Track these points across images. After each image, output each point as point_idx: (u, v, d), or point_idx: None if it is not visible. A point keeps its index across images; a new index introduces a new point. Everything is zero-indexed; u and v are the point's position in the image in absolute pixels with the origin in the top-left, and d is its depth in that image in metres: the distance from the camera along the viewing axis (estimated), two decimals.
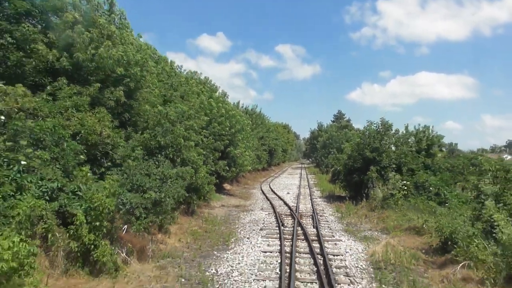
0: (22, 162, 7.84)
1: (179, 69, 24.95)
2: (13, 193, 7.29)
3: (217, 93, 29.49)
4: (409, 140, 26.72)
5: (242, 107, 46.47)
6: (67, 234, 7.79)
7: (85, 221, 7.80)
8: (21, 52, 10.39)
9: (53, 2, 11.23)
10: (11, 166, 7.71)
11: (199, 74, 28.42)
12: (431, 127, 25.74)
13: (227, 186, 28.44)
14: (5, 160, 7.77)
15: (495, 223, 9.07)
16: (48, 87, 10.81)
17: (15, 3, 10.30)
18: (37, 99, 9.76)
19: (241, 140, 25.36)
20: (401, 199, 16.89)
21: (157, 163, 11.39)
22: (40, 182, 7.96)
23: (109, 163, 11.08)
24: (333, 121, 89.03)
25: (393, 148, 23.70)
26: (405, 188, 17.46)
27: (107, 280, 7.93)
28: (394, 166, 21.03)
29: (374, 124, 23.64)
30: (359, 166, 22.40)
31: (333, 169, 34.90)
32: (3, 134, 8.31)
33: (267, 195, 24.77)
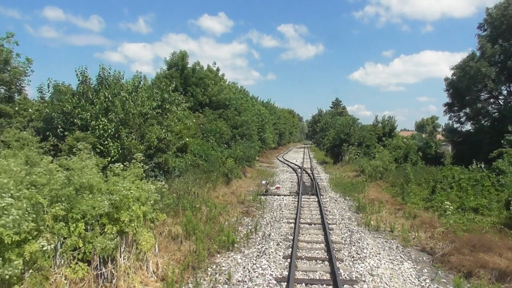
0: (211, 141, 23.97)
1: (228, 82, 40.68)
2: (213, 151, 23.37)
3: (249, 96, 45.46)
4: (378, 126, 42.74)
5: (260, 100, 62.34)
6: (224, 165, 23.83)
7: (233, 159, 23.86)
8: (192, 98, 26.34)
9: (198, 75, 27.13)
10: (209, 143, 23.81)
11: (236, 84, 44.25)
12: (393, 117, 41.32)
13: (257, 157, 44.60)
14: (206, 140, 23.88)
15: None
16: (201, 112, 26.79)
17: (191, 79, 26.26)
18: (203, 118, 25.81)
19: (268, 128, 41.44)
20: (354, 159, 33.00)
21: (244, 141, 27.53)
22: (218, 149, 24.06)
23: (224, 142, 27.16)
24: (331, 107, 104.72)
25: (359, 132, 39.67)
26: (357, 154, 33.58)
27: (239, 181, 24.00)
28: (356, 143, 37.02)
29: (348, 118, 39.67)
30: (337, 143, 38.52)
31: (326, 146, 51.06)
32: (202, 132, 24.39)
33: (284, 162, 40.98)
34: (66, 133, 12.62)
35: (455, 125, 28.86)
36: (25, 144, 11.39)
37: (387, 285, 7.24)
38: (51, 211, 5.64)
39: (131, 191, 6.83)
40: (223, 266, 8.18)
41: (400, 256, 9.13)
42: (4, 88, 14.48)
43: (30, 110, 14.31)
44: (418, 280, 7.64)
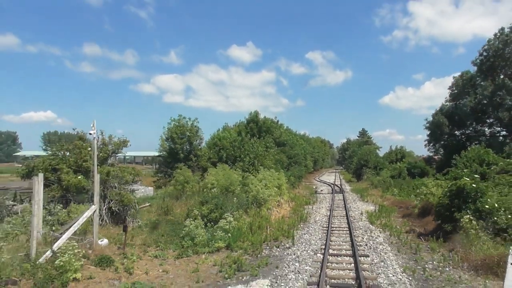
0: (279, 166, 40.64)
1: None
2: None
3: (293, 133, 62.32)
4: (392, 153, 58.36)
5: (298, 133, 78.93)
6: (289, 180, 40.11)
7: (293, 177, 40.13)
8: (270, 140, 43.19)
9: (266, 125, 44.08)
10: (277, 167, 40.47)
11: (284, 125, 61.11)
12: (404, 147, 56.93)
13: None
14: (276, 166, 40.54)
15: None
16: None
17: (262, 128, 43.33)
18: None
19: (308, 157, 57.79)
20: (370, 177, 48.56)
21: (296, 166, 44.03)
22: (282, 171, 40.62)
23: (285, 167, 43.68)
24: (359, 137, 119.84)
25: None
26: (372, 173, 49.19)
27: (297, 189, 40.19)
28: (372, 166, 52.52)
29: (366, 148, 55.66)
30: (359, 167, 54.35)
31: (352, 170, 66.67)
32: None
33: (320, 181, 56.91)
34: (229, 162, 29.57)
35: (432, 154, 44.12)
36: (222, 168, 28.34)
37: (360, 208, 23.43)
38: (272, 183, 22.32)
39: (283, 179, 23.55)
40: (309, 207, 24.55)
41: (370, 206, 25.21)
42: (196, 142, 31.82)
43: (205, 152, 31.59)
44: (374, 209, 23.66)
